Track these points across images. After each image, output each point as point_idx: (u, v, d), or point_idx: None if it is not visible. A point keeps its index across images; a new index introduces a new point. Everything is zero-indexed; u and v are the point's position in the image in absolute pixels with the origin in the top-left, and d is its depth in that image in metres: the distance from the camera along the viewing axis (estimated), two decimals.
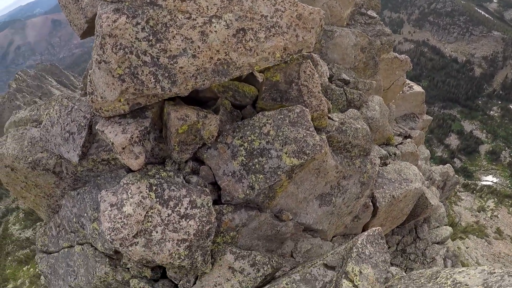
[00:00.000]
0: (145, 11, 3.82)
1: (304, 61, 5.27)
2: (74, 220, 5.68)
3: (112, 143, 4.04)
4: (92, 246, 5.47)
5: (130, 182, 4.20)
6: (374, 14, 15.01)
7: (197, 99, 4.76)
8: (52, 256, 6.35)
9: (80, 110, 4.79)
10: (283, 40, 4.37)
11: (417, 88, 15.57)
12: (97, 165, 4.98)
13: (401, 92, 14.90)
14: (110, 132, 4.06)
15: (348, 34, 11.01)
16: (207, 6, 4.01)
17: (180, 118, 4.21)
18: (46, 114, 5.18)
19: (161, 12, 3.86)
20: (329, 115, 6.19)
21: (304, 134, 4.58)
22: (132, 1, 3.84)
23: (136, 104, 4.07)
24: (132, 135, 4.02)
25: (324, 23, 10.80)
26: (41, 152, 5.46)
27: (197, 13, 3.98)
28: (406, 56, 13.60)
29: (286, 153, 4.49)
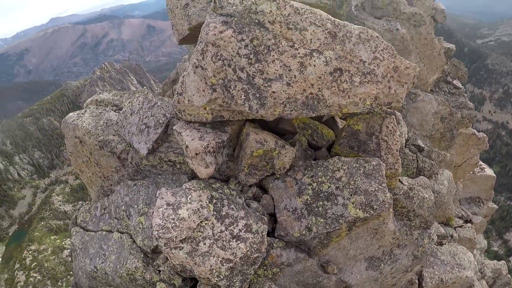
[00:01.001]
0: (252, 30, 3.89)
1: (388, 116, 5.13)
2: (123, 208, 5.76)
3: (187, 146, 4.07)
4: (131, 238, 5.49)
5: (193, 188, 4.19)
6: (459, 85, 14.45)
7: (274, 130, 4.73)
8: (88, 234, 6.46)
9: (162, 108, 4.92)
10: (376, 89, 4.25)
11: (489, 171, 14.53)
12: (162, 163, 5.05)
13: (471, 172, 14.00)
14: (187, 135, 4.10)
15: (431, 100, 10.67)
16: (311, 39, 4.01)
17: (259, 141, 4.17)
18: (129, 102, 5.39)
19: (266, 35, 3.91)
20: (399, 178, 5.95)
21: (376, 188, 4.34)
22: (241, 18, 3.93)
23: (219, 116, 4.10)
24: (208, 144, 4.03)
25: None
26: (113, 135, 5.67)
27: (300, 43, 3.98)
28: (484, 135, 12.85)
29: (353, 203, 4.27)
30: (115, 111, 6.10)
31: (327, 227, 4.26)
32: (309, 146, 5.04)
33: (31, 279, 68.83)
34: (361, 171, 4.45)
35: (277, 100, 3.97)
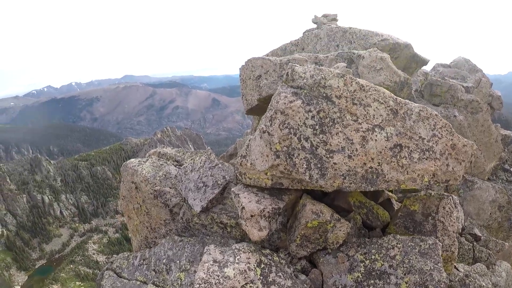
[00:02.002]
0: (319, 102, 4.09)
1: (445, 197, 5.02)
2: (164, 261, 5.76)
3: (243, 208, 4.14)
4: None
5: (242, 250, 4.16)
6: None
7: (330, 206, 4.73)
8: (120, 281, 6.40)
9: (223, 170, 5.11)
10: (434, 165, 4.22)
11: None
12: (213, 224, 5.11)
13: None
14: (245, 197, 4.19)
15: (488, 188, 10.22)
16: (374, 115, 4.13)
17: (315, 212, 4.17)
18: (191, 159, 5.65)
19: (332, 108, 4.09)
20: (455, 264, 5.61)
21: (432, 267, 4.09)
22: (310, 91, 4.16)
23: (279, 183, 4.18)
24: (265, 208, 4.08)
25: (466, 172, 10.25)
26: (170, 188, 5.87)
27: (363, 118, 4.11)
28: None
29: (406, 283, 4.02)
30: (175, 166, 6.38)
31: None
32: (363, 226, 4.95)
33: None
34: (416, 250, 4.25)
35: (338, 171, 4.02)
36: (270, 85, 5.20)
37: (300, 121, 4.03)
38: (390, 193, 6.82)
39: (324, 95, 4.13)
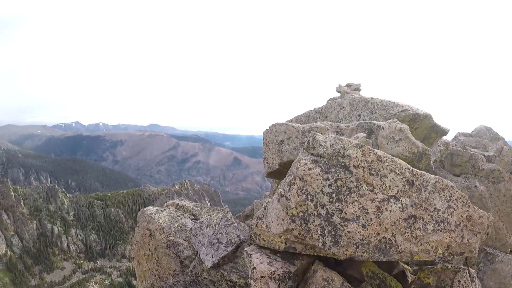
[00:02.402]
0: (337, 171, 4.22)
1: (461, 270, 4.89)
2: None
3: (254, 268, 4.15)
4: None
5: None
6: None
7: (342, 275, 4.68)
8: None
9: (238, 229, 5.19)
10: (449, 237, 4.19)
11: None
12: (222, 282, 5.09)
13: None
14: (257, 258, 4.22)
15: (510, 261, 9.76)
16: (390, 186, 4.21)
17: (325, 279, 4.14)
18: (208, 215, 5.75)
19: (349, 177, 4.20)
20: None
21: None
22: (329, 160, 4.31)
23: (292, 248, 4.22)
24: (275, 270, 4.08)
25: (486, 244, 9.88)
26: (184, 240, 5.93)
27: (379, 189, 4.19)
28: None
29: None
30: (191, 219, 6.48)
31: None
32: None
33: None
34: None
35: (351, 240, 4.04)
36: (291, 150, 5.39)
37: (317, 188, 4.15)
38: (405, 265, 6.64)
39: (343, 164, 4.27)
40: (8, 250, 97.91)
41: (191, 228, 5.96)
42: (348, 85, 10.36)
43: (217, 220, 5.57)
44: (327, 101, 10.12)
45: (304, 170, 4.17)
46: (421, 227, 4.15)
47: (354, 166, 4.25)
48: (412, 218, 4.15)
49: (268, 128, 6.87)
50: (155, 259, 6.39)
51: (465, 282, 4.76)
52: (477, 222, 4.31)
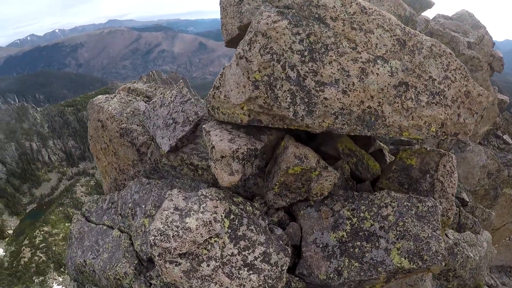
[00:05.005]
0: (310, 24, 3.31)
1: (447, 154, 4.42)
2: (130, 205, 5.23)
3: (213, 147, 3.48)
4: (130, 239, 4.92)
5: (210, 197, 3.55)
6: (510, 140, 13.45)
7: (315, 151, 4.08)
8: (88, 225, 5.96)
9: (195, 105, 4.39)
10: (444, 113, 3.57)
11: None
12: (183, 166, 4.48)
13: (507, 238, 12.84)
14: (216, 135, 3.51)
15: (480, 152, 9.80)
16: (377, 44, 3.39)
17: (298, 156, 3.51)
18: (161, 94, 4.91)
19: (326, 32, 3.32)
20: (445, 229, 5.20)
21: (429, 235, 3.53)
22: (300, 11, 3.36)
23: (257, 120, 3.48)
24: (238, 148, 3.41)
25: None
26: (137, 125, 5.21)
27: (363, 47, 3.37)
28: None
29: (398, 249, 3.48)
30: (145, 102, 5.66)
31: (362, 273, 3.46)
32: (351, 177, 4.36)
33: (36, 258, 70.31)
34: (413, 212, 3.67)
35: (329, 109, 3.32)
36: (252, 11, 4.38)
37: (285, 45, 3.26)
38: (381, 144, 6.24)
39: (317, 16, 3.33)
40: None
41: (144, 111, 5.15)
42: None
43: (171, 97, 4.73)
44: None
45: (267, 24, 3.23)
46: (413, 97, 3.46)
47: (331, 18, 3.33)
48: (403, 86, 3.43)
49: None
50: (112, 151, 5.74)
51: (450, 167, 4.37)
52: (476, 100, 3.68)
